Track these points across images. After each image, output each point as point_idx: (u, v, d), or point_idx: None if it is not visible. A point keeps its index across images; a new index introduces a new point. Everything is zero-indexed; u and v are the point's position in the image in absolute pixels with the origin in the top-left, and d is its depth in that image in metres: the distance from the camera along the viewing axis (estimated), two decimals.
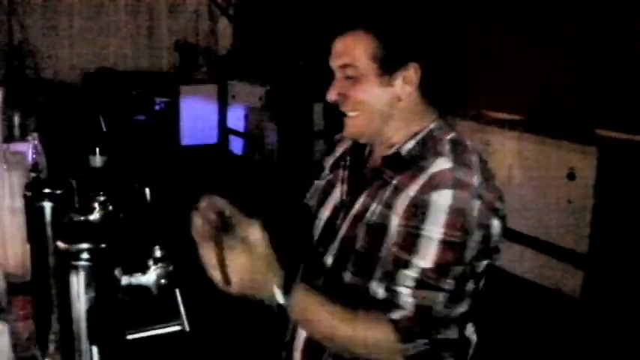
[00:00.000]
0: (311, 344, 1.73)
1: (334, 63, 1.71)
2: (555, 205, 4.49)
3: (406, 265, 1.55)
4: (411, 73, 1.65)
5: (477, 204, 1.54)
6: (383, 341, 1.54)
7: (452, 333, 1.60)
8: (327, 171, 1.95)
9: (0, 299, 1.45)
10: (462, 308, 1.60)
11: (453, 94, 1.89)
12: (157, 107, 8.24)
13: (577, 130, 4.68)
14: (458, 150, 1.64)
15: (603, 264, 4.27)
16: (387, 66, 1.64)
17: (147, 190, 1.25)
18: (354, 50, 1.65)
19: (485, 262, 1.62)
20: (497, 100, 5.54)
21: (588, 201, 4.28)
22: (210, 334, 1.57)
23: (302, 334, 1.76)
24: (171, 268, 1.23)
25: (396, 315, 1.54)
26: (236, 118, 8.39)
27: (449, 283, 1.53)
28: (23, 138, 3.31)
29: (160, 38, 8.95)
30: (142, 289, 1.23)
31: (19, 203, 1.95)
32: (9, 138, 3.21)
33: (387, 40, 1.64)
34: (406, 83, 1.66)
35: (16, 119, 3.66)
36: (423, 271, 1.53)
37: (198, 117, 8.52)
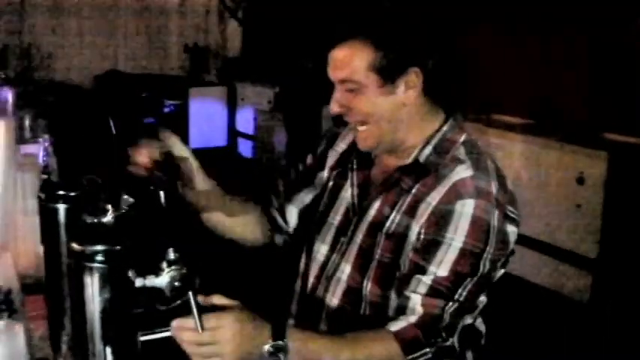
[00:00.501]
0: None
1: (333, 76, 1.67)
2: (564, 210, 4.48)
3: (422, 271, 1.55)
4: (413, 77, 1.63)
5: (495, 212, 1.56)
6: (387, 356, 1.53)
7: (456, 340, 1.59)
8: (329, 167, 1.91)
9: (14, 300, 1.46)
10: (470, 319, 1.61)
11: (459, 93, 1.89)
12: (166, 110, 8.25)
13: (586, 134, 4.67)
14: (474, 154, 1.64)
15: (612, 268, 4.26)
16: (388, 75, 1.62)
17: (162, 194, 1.25)
18: (352, 63, 1.62)
19: (500, 273, 1.63)
20: (507, 104, 5.53)
21: (597, 205, 4.27)
22: None
23: (332, 303, 1.75)
24: (184, 270, 1.24)
25: (401, 324, 1.53)
26: (245, 121, 8.40)
27: (460, 294, 1.54)
28: (34, 140, 3.33)
29: (170, 41, 8.96)
30: (156, 291, 1.24)
31: (32, 204, 1.97)
32: (20, 140, 3.23)
33: (385, 49, 1.61)
34: (409, 88, 1.64)
35: (27, 121, 3.68)
36: (438, 279, 1.53)
37: (207, 119, 8.52)
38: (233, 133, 8.71)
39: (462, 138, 1.69)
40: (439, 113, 1.73)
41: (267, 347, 1.42)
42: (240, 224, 1.94)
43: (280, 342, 1.42)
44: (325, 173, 1.92)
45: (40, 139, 2.78)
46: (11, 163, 2.14)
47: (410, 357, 1.52)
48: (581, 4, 4.77)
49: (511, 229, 1.60)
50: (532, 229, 4.63)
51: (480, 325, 1.74)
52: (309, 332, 1.55)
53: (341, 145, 1.92)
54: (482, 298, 1.61)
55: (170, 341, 1.49)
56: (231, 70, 8.86)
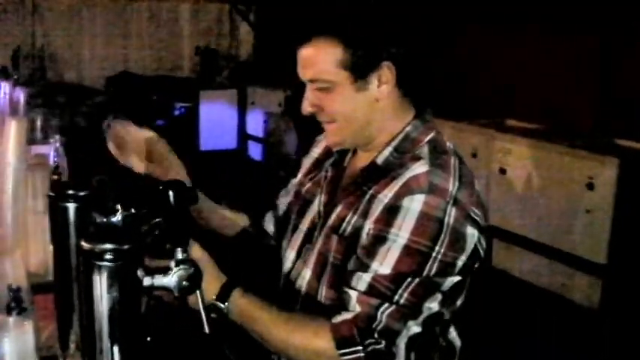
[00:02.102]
0: None
1: (302, 75, 1.64)
2: (574, 215, 4.46)
3: (364, 267, 1.50)
4: (385, 71, 1.59)
5: (452, 210, 1.48)
6: (319, 347, 1.50)
7: (402, 348, 1.52)
8: (302, 174, 1.91)
9: (23, 298, 1.46)
10: (417, 328, 1.51)
11: (430, 89, 1.85)
12: (176, 112, 8.27)
13: (597, 139, 4.66)
14: (436, 152, 1.59)
15: (622, 275, 4.25)
16: (359, 71, 1.58)
17: (171, 193, 1.26)
18: (320, 62, 1.59)
19: (453, 280, 1.52)
20: (518, 109, 5.52)
21: (607, 211, 4.26)
22: (229, 336, 1.58)
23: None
24: (192, 270, 1.24)
25: (339, 318, 1.49)
26: (255, 124, 8.41)
27: (401, 295, 1.47)
28: (45, 140, 3.35)
29: (181, 43, 8.99)
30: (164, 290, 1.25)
31: (42, 204, 1.98)
32: (31, 140, 3.25)
33: (354, 44, 1.57)
34: (382, 83, 1.60)
35: (38, 122, 3.70)
36: (378, 277, 1.48)
37: (217, 122, 8.53)
38: (243, 135, 8.72)
39: (428, 137, 1.64)
40: (410, 111, 1.68)
41: (209, 302, 1.48)
42: (228, 228, 1.97)
43: (220, 303, 1.50)
44: (298, 179, 1.92)
45: (51, 140, 2.80)
46: (22, 163, 2.15)
47: (341, 351, 1.47)
48: (593, 9, 4.76)
49: (471, 232, 1.51)
50: (541, 234, 4.63)
51: (455, 339, 1.69)
52: (254, 299, 1.54)
53: (315, 151, 1.92)
54: (432, 305, 1.51)
55: (177, 341, 1.50)
56: (241, 73, 8.88)
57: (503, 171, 4.97)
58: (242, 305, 1.52)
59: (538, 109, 5.37)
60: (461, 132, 5.29)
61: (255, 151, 8.51)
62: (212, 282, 1.50)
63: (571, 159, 4.51)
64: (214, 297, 1.51)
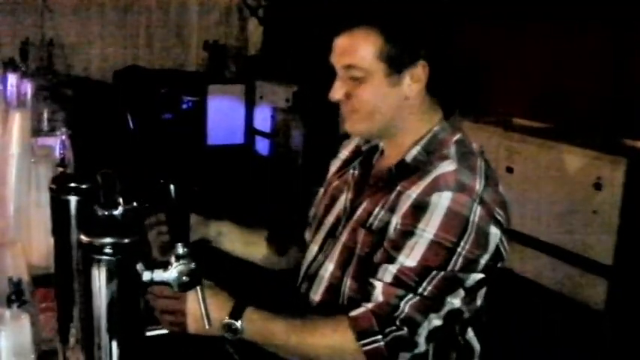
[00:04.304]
0: None
1: (337, 62, 1.65)
2: (581, 215, 4.44)
3: (391, 260, 1.52)
4: (419, 70, 1.61)
5: (477, 209, 1.50)
6: (339, 342, 1.51)
7: (422, 341, 1.52)
8: (331, 175, 1.92)
9: (23, 291, 1.46)
10: (438, 321, 1.53)
11: (460, 93, 1.86)
12: (184, 106, 8.27)
13: (605, 139, 4.64)
14: (463, 152, 1.61)
15: (628, 276, 4.23)
16: (396, 65, 1.59)
17: (172, 187, 1.25)
18: (359, 50, 1.59)
19: (476, 277, 1.54)
20: (526, 108, 5.50)
21: (614, 212, 4.23)
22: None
23: (312, 301, 1.75)
24: (193, 265, 1.23)
25: (359, 310, 1.51)
26: (263, 119, 8.40)
27: (425, 288, 1.49)
28: (51, 132, 3.35)
29: (190, 37, 8.99)
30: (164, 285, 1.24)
31: (45, 196, 1.97)
32: (37, 132, 3.25)
33: (395, 38, 1.58)
34: (414, 81, 1.61)
35: (45, 114, 3.70)
36: (404, 268, 1.50)
37: (225, 117, 8.54)
38: (251, 131, 8.72)
39: (455, 138, 1.66)
40: (437, 113, 1.70)
41: (223, 323, 1.51)
42: (249, 253, 2.03)
43: (234, 322, 1.51)
44: (327, 180, 1.93)
45: (58, 132, 2.79)
46: (26, 155, 2.15)
47: (361, 342, 1.49)
48: (605, 7, 4.74)
49: (494, 232, 1.53)
50: (547, 234, 4.61)
51: (473, 340, 1.71)
52: (266, 313, 1.56)
53: (343, 152, 1.94)
54: (455, 301, 1.53)
55: (176, 336, 1.49)
56: (250, 68, 8.88)
57: (510, 170, 4.94)
58: (256, 320, 1.54)
59: (546, 108, 5.35)
60: (468, 130, 5.25)
61: (262, 146, 8.51)
62: (223, 303, 1.52)
63: (579, 159, 4.49)
64: (227, 317, 1.52)
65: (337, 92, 1.65)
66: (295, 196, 1.99)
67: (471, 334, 1.70)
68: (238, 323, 1.51)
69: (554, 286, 4.60)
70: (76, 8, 8.29)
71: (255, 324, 1.53)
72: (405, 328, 1.49)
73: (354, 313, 1.52)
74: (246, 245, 2.01)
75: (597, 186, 4.32)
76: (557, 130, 5.01)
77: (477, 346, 1.72)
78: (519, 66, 5.56)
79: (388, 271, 1.51)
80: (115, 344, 1.17)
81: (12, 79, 3.47)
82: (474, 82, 5.83)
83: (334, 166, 1.93)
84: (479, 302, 1.62)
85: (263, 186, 6.87)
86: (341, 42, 1.63)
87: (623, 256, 4.23)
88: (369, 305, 1.51)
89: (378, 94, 1.62)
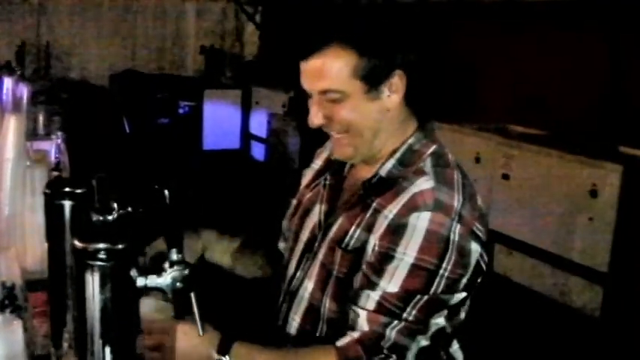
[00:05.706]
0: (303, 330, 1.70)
1: (311, 87, 1.56)
2: (576, 222, 4.44)
3: (372, 286, 1.49)
4: (397, 80, 1.54)
5: (457, 227, 1.46)
6: None
7: None
8: (303, 186, 1.88)
9: (17, 296, 1.45)
10: (425, 342, 1.50)
11: (435, 100, 1.82)
12: (180, 111, 8.28)
13: (601, 146, 4.64)
14: (440, 167, 1.56)
15: (624, 283, 4.23)
16: (373, 79, 1.52)
17: (166, 192, 1.24)
18: (332, 71, 1.51)
19: (461, 296, 1.52)
20: (522, 115, 5.51)
21: (610, 219, 4.24)
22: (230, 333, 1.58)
23: (294, 322, 1.72)
24: (187, 271, 1.23)
25: (345, 340, 1.49)
26: (258, 124, 8.41)
27: (410, 313, 1.46)
28: (47, 136, 3.34)
29: (186, 42, 9.00)
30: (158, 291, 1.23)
31: (39, 201, 1.96)
32: (33, 135, 3.24)
33: (369, 51, 1.50)
34: (393, 92, 1.55)
35: (41, 117, 3.69)
36: (386, 295, 1.46)
37: (221, 122, 8.54)
38: (246, 136, 8.73)
39: (431, 150, 1.60)
40: (413, 122, 1.64)
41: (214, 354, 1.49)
42: (240, 267, 1.99)
43: (222, 358, 1.49)
44: (300, 191, 1.88)
45: (53, 136, 2.78)
46: (21, 159, 2.14)
47: None
48: (601, 15, 4.75)
49: (475, 248, 1.49)
50: (543, 241, 4.61)
51: (457, 352, 1.69)
52: (253, 346, 1.54)
53: (317, 162, 1.89)
54: (439, 321, 1.50)
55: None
56: (246, 73, 8.89)
57: (506, 176, 4.95)
58: (244, 355, 1.52)
59: (542, 115, 5.35)
60: (464, 137, 5.28)
61: (258, 151, 8.51)
62: (209, 338, 1.50)
63: (574, 165, 4.49)
64: (215, 353, 1.50)
65: (316, 117, 1.57)
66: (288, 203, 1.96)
67: (455, 346, 1.68)
68: (226, 358, 1.49)
69: (550, 293, 4.60)
70: (73, 12, 8.28)
71: (243, 359, 1.52)
72: (394, 355, 1.48)
73: (340, 343, 1.49)
74: (222, 254, 1.98)
75: (593, 193, 4.32)
76: (554, 138, 5.02)
77: (460, 357, 1.70)
78: (515, 73, 5.56)
79: (371, 298, 1.48)
80: (108, 350, 1.16)
81: (7, 82, 3.46)
82: (469, 88, 5.85)
83: (307, 176, 1.89)
84: (462, 316, 1.60)
85: (258, 191, 6.86)
86: (312, 65, 1.53)
87: (618, 263, 4.23)
88: (355, 335, 1.48)
89: (359, 111, 1.55)
